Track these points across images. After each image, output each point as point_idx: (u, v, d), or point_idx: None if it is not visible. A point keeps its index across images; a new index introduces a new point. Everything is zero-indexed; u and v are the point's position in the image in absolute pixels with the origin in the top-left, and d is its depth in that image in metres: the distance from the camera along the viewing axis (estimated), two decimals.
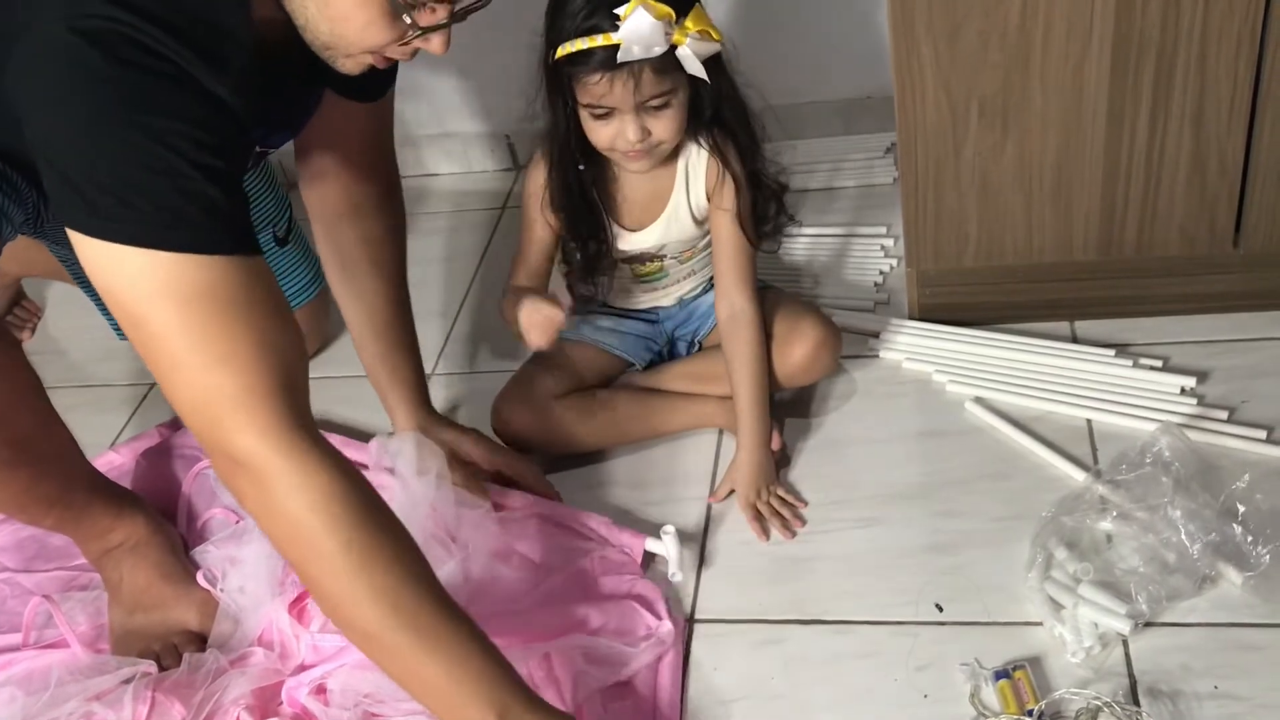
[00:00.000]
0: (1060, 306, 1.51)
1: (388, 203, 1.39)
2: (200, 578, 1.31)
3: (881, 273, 1.69)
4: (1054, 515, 1.21)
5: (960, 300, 1.53)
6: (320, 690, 1.18)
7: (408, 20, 0.96)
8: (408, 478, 1.33)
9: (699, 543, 1.32)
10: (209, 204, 0.90)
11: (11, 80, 0.90)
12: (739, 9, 1.87)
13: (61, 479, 1.23)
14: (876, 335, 1.55)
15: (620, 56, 1.18)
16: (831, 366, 1.43)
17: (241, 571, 1.29)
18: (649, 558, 1.30)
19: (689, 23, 1.19)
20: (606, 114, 1.25)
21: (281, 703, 1.20)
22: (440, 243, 1.99)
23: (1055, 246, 1.44)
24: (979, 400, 1.42)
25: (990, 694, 1.09)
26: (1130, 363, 1.42)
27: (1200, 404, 1.36)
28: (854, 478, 1.37)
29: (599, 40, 1.18)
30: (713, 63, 1.23)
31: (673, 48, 1.19)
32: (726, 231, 1.37)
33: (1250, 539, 1.14)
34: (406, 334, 1.42)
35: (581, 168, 1.33)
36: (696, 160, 1.36)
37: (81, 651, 1.29)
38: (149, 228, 0.88)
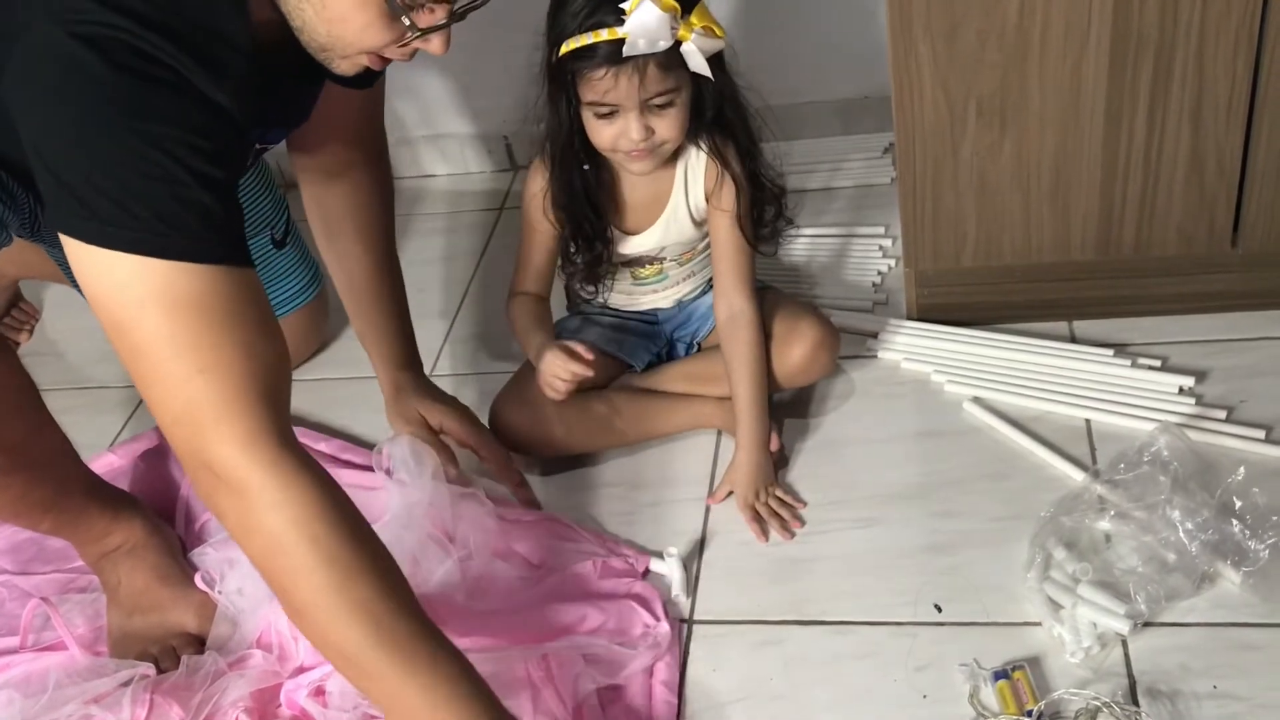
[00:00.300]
0: (1058, 306, 1.51)
1: (375, 167, 1.39)
2: (198, 580, 1.31)
3: (880, 273, 1.69)
4: (1053, 515, 1.21)
5: (958, 300, 1.53)
6: (319, 692, 1.18)
7: (406, 22, 0.96)
8: (404, 479, 1.33)
9: (698, 544, 1.32)
10: (204, 212, 0.90)
11: (9, 84, 0.89)
12: (737, 9, 1.87)
13: (57, 483, 1.22)
14: (875, 335, 1.55)
15: (625, 51, 1.17)
16: (830, 367, 1.43)
17: (239, 573, 1.29)
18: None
19: (694, 18, 1.19)
20: (610, 113, 1.24)
21: (280, 705, 1.19)
22: (438, 244, 1.99)
23: (1053, 246, 1.44)
24: (977, 400, 1.42)
25: (989, 694, 1.09)
26: (1129, 362, 1.42)
27: (1199, 403, 1.36)
28: (852, 478, 1.36)
29: (604, 35, 1.17)
30: (714, 62, 1.23)
31: (677, 44, 1.19)
32: (725, 233, 1.37)
33: (1249, 538, 1.14)
34: (391, 294, 1.42)
35: (586, 168, 1.33)
36: (695, 162, 1.36)
37: (79, 654, 1.29)
38: (142, 234, 0.87)
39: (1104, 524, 1.21)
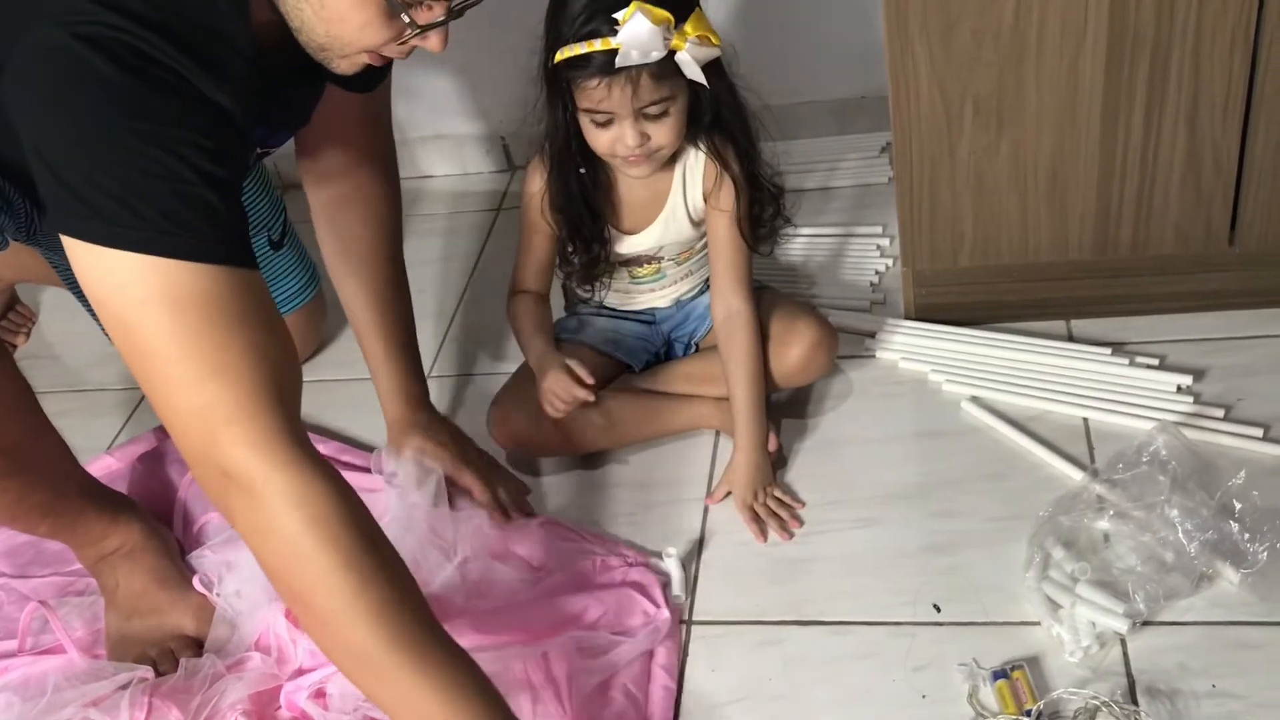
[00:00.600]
0: (1056, 305, 1.51)
1: (386, 186, 1.39)
2: (196, 582, 1.31)
3: (877, 272, 1.69)
4: (1051, 515, 1.21)
5: (956, 300, 1.53)
6: (320, 694, 1.18)
7: (406, 19, 0.95)
8: (404, 487, 1.34)
9: (696, 545, 1.32)
10: (208, 210, 0.89)
11: (9, 85, 0.89)
12: (734, 10, 1.87)
13: (54, 487, 1.22)
14: (873, 335, 1.55)
15: (619, 61, 1.17)
16: (828, 367, 1.43)
17: (238, 575, 1.29)
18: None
19: (688, 28, 1.18)
20: (606, 120, 1.25)
21: (279, 707, 1.19)
22: (436, 244, 1.98)
23: (1051, 245, 1.44)
24: (975, 400, 1.42)
25: (988, 694, 1.09)
26: (1126, 361, 1.42)
27: (1196, 402, 1.36)
28: (851, 478, 1.36)
29: (597, 45, 1.17)
30: (712, 66, 1.23)
31: (671, 53, 1.19)
32: (723, 233, 1.37)
33: (1247, 537, 1.14)
34: (395, 329, 1.41)
35: (582, 171, 1.33)
36: (694, 162, 1.36)
37: (78, 657, 1.29)
38: (148, 233, 0.87)
39: (1102, 523, 1.21)
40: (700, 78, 1.22)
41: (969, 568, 1.22)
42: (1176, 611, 1.13)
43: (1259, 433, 1.30)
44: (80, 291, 1.53)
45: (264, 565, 0.94)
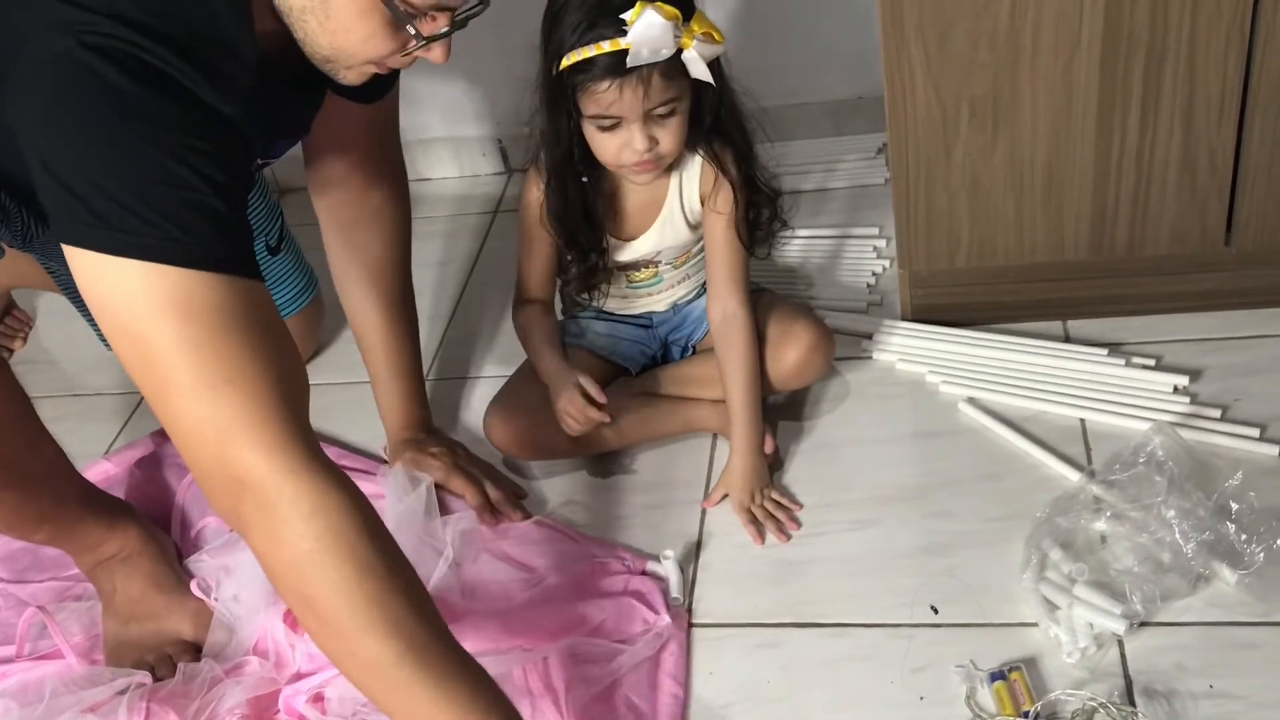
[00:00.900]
0: (1052, 306, 1.51)
1: (398, 201, 1.41)
2: (194, 587, 1.31)
3: (874, 274, 1.69)
4: (1048, 516, 1.21)
5: (953, 301, 1.53)
6: (318, 698, 1.18)
7: (411, 30, 0.95)
8: (399, 491, 1.34)
9: (694, 547, 1.32)
10: (215, 218, 0.88)
11: (14, 92, 0.88)
12: (729, 11, 1.87)
13: (52, 496, 1.22)
14: (869, 337, 1.55)
15: (630, 61, 1.17)
16: (824, 369, 1.43)
17: (236, 580, 1.29)
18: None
19: (694, 25, 1.18)
20: (613, 125, 1.24)
21: (278, 711, 1.19)
22: (433, 247, 1.98)
23: (1047, 246, 1.44)
24: (972, 401, 1.42)
25: (986, 695, 1.09)
26: (1123, 362, 1.42)
27: (1193, 403, 1.36)
28: (848, 480, 1.37)
29: (605, 47, 1.17)
30: (712, 68, 1.23)
31: (678, 52, 1.19)
32: (721, 236, 1.36)
33: (1244, 537, 1.14)
34: (400, 354, 1.43)
35: (585, 180, 1.32)
36: (690, 166, 1.36)
37: (76, 662, 1.29)
38: (156, 240, 0.86)
39: (1099, 524, 1.21)
40: (707, 76, 1.21)
41: (966, 569, 1.22)
42: (1174, 612, 1.13)
43: (1255, 433, 1.30)
44: (77, 297, 1.55)
45: (274, 574, 0.92)
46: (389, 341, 1.41)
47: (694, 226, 1.40)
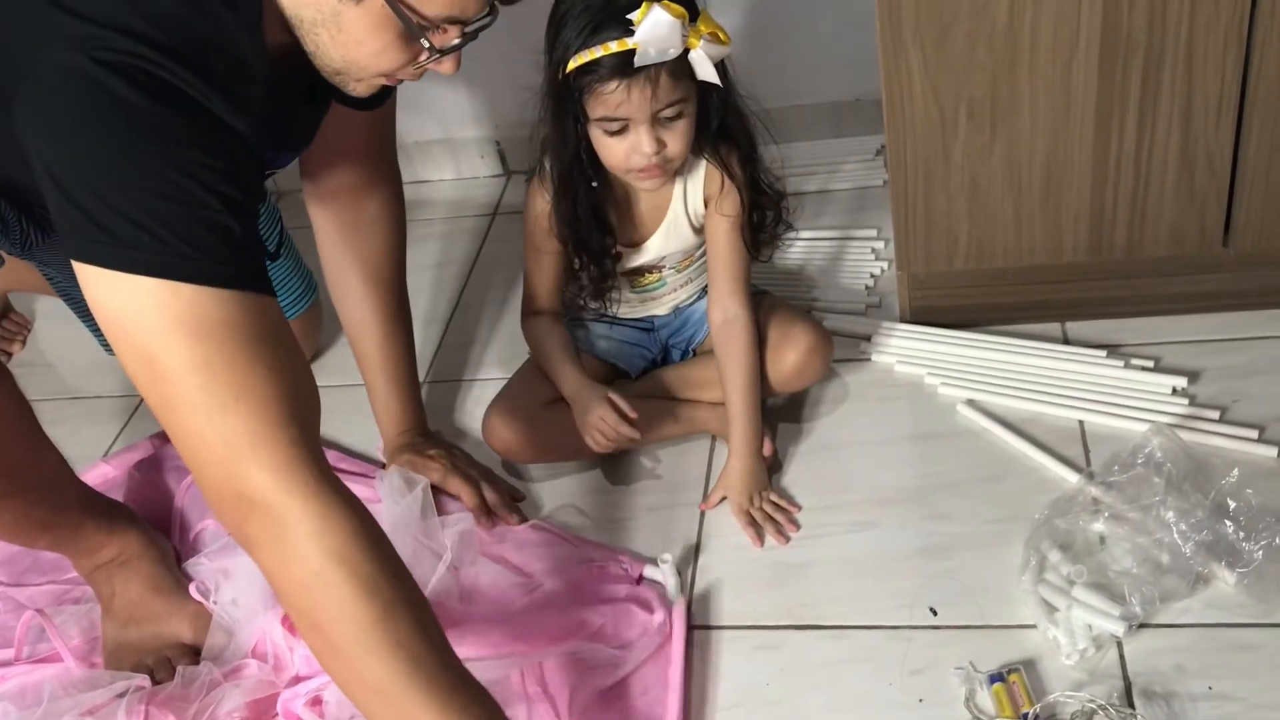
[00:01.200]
0: (1051, 308, 1.51)
1: (394, 207, 1.41)
2: (193, 590, 1.31)
3: (873, 275, 1.69)
4: (1047, 517, 1.21)
5: (951, 303, 1.53)
6: (316, 701, 1.18)
7: (426, 44, 0.95)
8: (396, 493, 1.34)
9: (693, 550, 1.32)
10: (228, 235, 0.88)
11: (25, 107, 0.88)
12: (728, 14, 1.87)
13: (54, 505, 1.22)
14: (868, 338, 1.55)
15: (637, 61, 1.16)
16: (823, 372, 1.43)
17: (234, 583, 1.29)
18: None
19: (700, 24, 1.18)
20: (621, 129, 1.23)
21: (277, 714, 1.19)
22: (432, 249, 1.98)
23: (1045, 248, 1.44)
24: (971, 403, 1.42)
25: (985, 697, 1.09)
26: (1122, 363, 1.42)
27: (1192, 404, 1.36)
28: (847, 482, 1.36)
29: (613, 47, 1.16)
30: (717, 69, 1.22)
31: (685, 52, 1.19)
32: (724, 238, 1.36)
33: (1242, 537, 1.14)
34: (396, 358, 1.43)
35: (595, 185, 1.32)
36: (694, 168, 1.35)
37: (75, 666, 1.29)
38: (168, 258, 0.85)
39: (1098, 526, 1.21)
40: (714, 77, 1.21)
41: (965, 571, 1.22)
42: (1173, 613, 1.13)
43: (1254, 434, 1.30)
44: (76, 302, 1.55)
45: (282, 593, 0.92)
46: (385, 346, 1.42)
47: (698, 230, 1.40)
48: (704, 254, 1.43)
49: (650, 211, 1.38)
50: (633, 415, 1.33)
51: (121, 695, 1.21)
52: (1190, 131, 1.31)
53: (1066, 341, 1.49)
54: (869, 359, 1.53)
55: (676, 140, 1.26)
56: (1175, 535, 1.15)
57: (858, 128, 1.98)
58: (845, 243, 1.76)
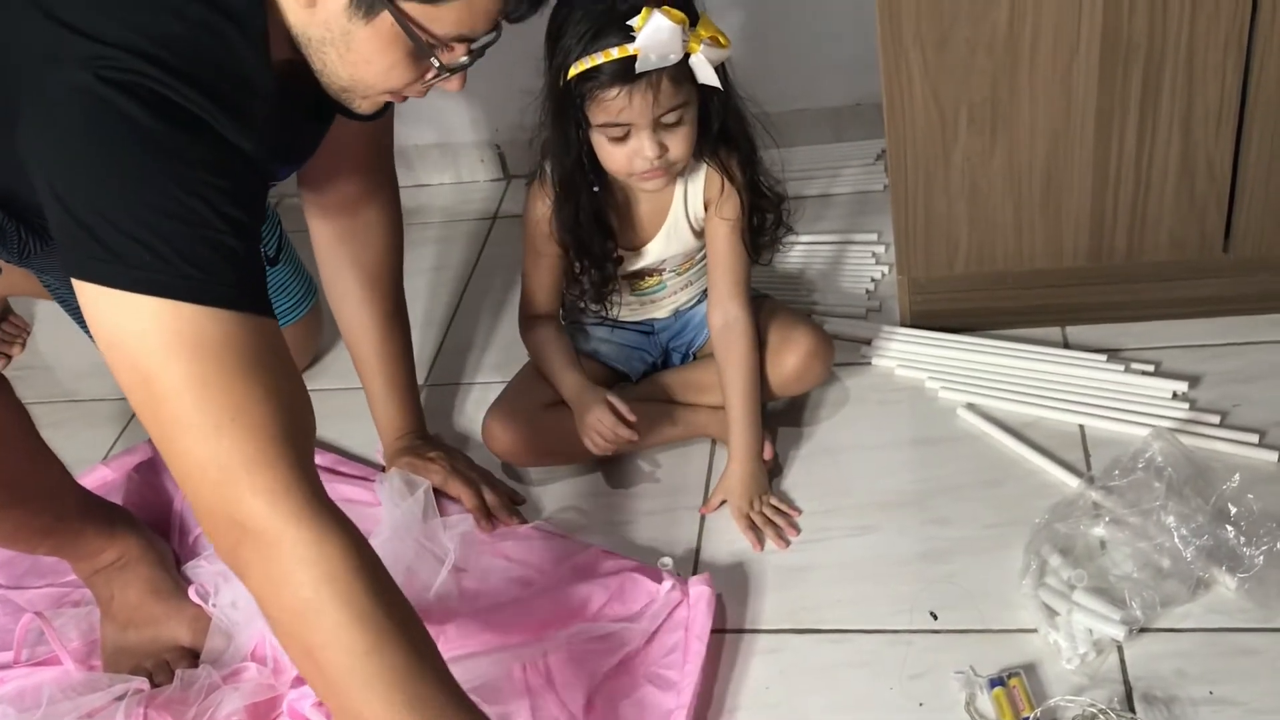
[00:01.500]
0: (1051, 312, 1.51)
1: (392, 214, 1.40)
2: (192, 593, 1.31)
3: (873, 280, 1.69)
4: (1047, 522, 1.21)
5: (952, 307, 1.53)
6: (322, 702, 1.18)
7: (435, 62, 0.95)
8: (396, 496, 1.34)
9: (693, 553, 1.32)
10: (231, 256, 0.88)
11: (30, 125, 0.88)
12: (727, 17, 1.87)
13: (54, 512, 1.21)
14: (868, 342, 1.55)
15: (639, 66, 1.16)
16: (823, 375, 1.43)
17: (233, 586, 1.28)
18: None
19: (700, 29, 1.18)
20: (623, 135, 1.23)
21: (277, 716, 1.19)
22: (431, 253, 1.98)
23: (1045, 252, 1.44)
24: (971, 407, 1.42)
25: (985, 702, 1.09)
26: (1122, 368, 1.42)
27: (1192, 408, 1.36)
28: (847, 486, 1.36)
29: (614, 54, 1.16)
30: (718, 73, 1.22)
31: (685, 56, 1.19)
32: (725, 241, 1.36)
33: (1243, 541, 1.14)
34: (394, 362, 1.43)
35: (596, 190, 1.32)
36: (695, 172, 1.35)
37: (74, 669, 1.28)
38: (170, 277, 0.85)
39: (1099, 530, 1.21)
40: (715, 81, 1.21)
41: (965, 575, 1.22)
42: (1173, 618, 1.13)
43: (1254, 439, 1.30)
44: (73, 308, 1.54)
45: (273, 620, 0.90)
46: (383, 350, 1.42)
47: (698, 233, 1.40)
48: (704, 257, 1.43)
49: (651, 215, 1.38)
50: (631, 418, 1.33)
51: (120, 698, 1.21)
52: (1190, 137, 1.31)
53: (1067, 346, 1.49)
54: (869, 363, 1.53)
55: (678, 144, 1.26)
56: (1176, 540, 1.15)
57: (858, 132, 1.98)
58: (846, 247, 1.76)
